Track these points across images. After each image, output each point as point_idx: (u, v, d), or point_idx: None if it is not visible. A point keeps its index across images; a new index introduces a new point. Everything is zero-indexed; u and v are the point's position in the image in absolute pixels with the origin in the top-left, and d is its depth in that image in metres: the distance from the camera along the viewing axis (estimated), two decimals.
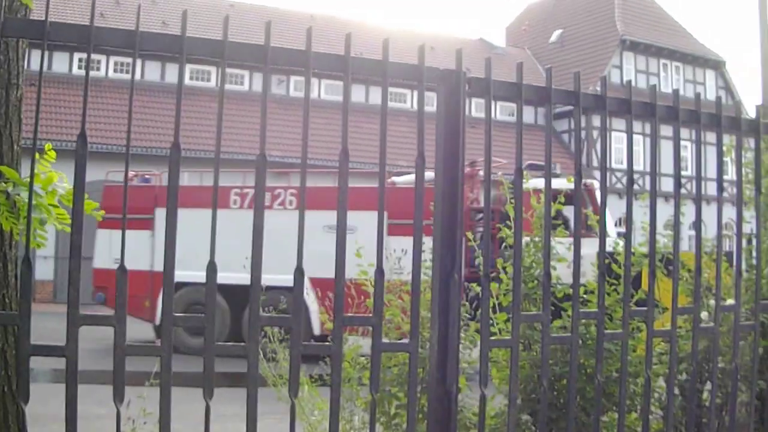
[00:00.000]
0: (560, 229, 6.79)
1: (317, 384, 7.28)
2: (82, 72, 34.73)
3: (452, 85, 3.91)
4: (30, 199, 3.48)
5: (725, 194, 5.30)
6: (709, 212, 5.35)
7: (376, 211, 3.84)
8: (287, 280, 3.85)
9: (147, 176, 21.16)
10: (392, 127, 4.41)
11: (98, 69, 38.28)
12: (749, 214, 6.03)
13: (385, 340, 4.20)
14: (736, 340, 5.26)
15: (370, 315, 3.83)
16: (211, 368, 3.56)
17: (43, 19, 3.34)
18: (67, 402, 3.35)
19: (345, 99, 3.75)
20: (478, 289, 4.23)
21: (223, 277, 4.12)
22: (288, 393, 3.76)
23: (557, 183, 5.34)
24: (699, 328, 5.05)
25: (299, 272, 3.69)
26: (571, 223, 4.70)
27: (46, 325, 4.92)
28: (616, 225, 25.18)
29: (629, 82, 4.67)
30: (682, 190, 5.25)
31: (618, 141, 38.88)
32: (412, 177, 17.98)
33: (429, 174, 3.88)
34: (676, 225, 4.93)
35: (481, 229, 16.28)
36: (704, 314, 5.54)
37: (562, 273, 6.02)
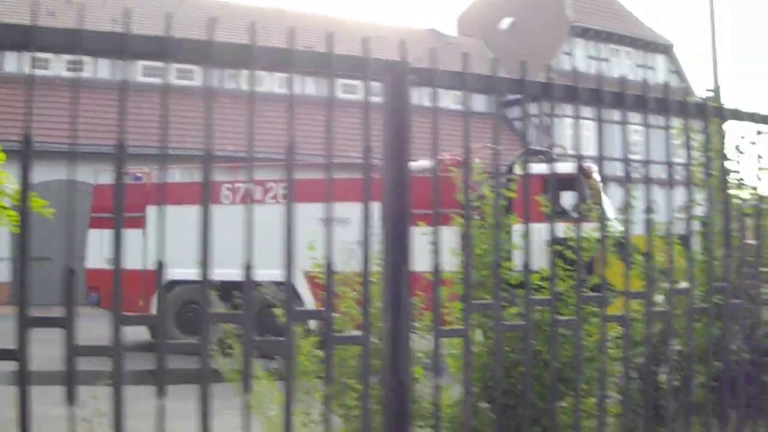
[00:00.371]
0: (513, 216, 6.81)
1: (276, 378, 7.25)
2: (49, 72, 34.55)
3: (397, 75, 3.91)
4: None
5: (680, 178, 5.34)
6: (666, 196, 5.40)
7: (372, 202, 3.90)
8: (279, 274, 3.86)
9: (138, 174, 20.94)
10: (346, 118, 4.41)
11: (80, 70, 37.78)
12: (702, 197, 6.08)
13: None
14: (690, 323, 5.30)
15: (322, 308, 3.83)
16: (163, 366, 3.55)
17: None
18: (20, 404, 3.33)
19: (290, 93, 3.74)
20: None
21: (217, 274, 4.10)
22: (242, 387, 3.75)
23: (560, 167, 5.37)
24: (653, 312, 5.09)
25: (248, 267, 3.68)
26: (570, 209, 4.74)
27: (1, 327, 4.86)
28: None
29: (575, 68, 4.69)
30: (636, 175, 5.29)
31: (571, 127, 39.07)
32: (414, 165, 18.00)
33: (423, 163, 3.90)
34: (626, 209, 4.96)
35: (475, 218, 16.14)
36: (659, 298, 5.58)
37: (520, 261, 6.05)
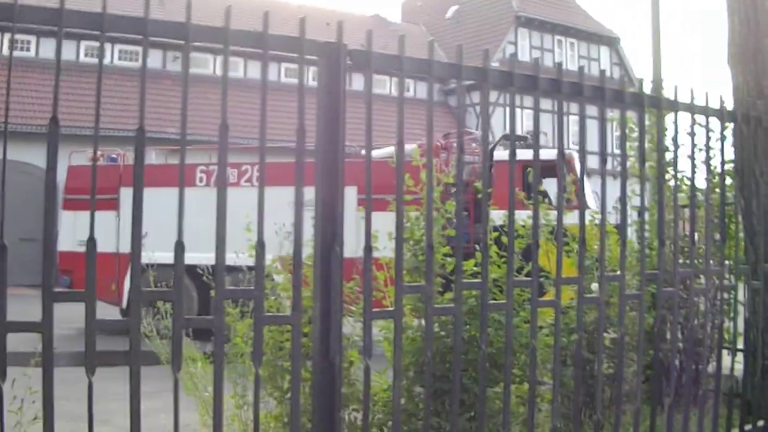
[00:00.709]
0: (449, 201, 6.83)
1: (212, 360, 7.23)
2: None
3: (333, 57, 3.90)
4: None
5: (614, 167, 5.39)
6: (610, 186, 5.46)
7: (346, 186, 3.95)
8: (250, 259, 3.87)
9: (113, 155, 20.60)
10: (290, 102, 4.38)
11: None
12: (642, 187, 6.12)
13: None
14: (621, 310, 5.36)
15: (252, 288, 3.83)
16: (92, 345, 3.53)
17: None
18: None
19: (224, 72, 3.72)
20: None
21: (190, 258, 4.08)
22: (172, 368, 3.75)
23: (544, 153, 5.38)
24: (585, 299, 5.14)
25: (179, 246, 3.67)
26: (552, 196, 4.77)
27: None
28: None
29: (513, 55, 4.72)
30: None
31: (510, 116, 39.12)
32: (384, 151, 17.81)
33: (389, 150, 3.90)
34: (560, 198, 4.99)
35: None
36: (594, 285, 5.63)
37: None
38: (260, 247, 3.78)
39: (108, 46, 36.69)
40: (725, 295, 6.52)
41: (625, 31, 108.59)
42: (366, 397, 4.08)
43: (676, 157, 6.03)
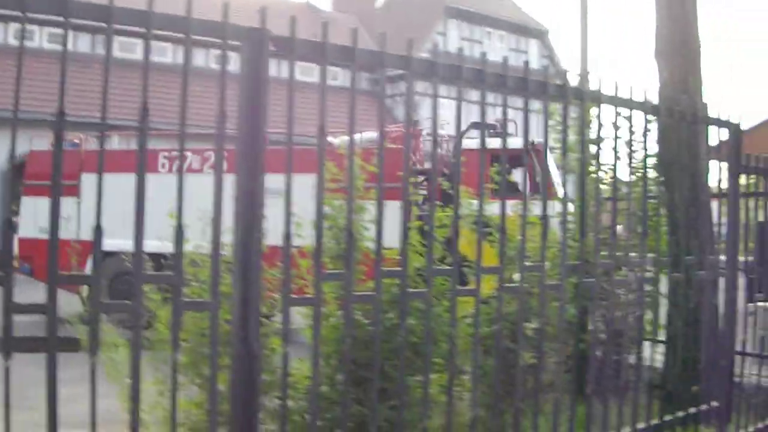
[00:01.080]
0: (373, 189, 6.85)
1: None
2: None
3: (255, 43, 3.88)
4: None
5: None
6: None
7: (309, 174, 4.02)
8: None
9: (75, 140, 20.21)
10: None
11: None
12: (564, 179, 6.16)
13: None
14: (542, 301, 5.41)
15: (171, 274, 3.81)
16: (8, 330, 3.50)
17: None
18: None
19: (145, 56, 3.69)
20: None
21: (153, 246, 4.04)
22: (91, 354, 3.72)
23: (510, 142, 5.39)
24: (506, 288, 5.18)
25: (98, 230, 3.65)
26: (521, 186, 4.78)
27: None
28: None
29: (436, 45, 4.73)
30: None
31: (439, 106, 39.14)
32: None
33: (370, 135, 3.88)
34: (480, 189, 5.02)
35: (424, 191, 15.94)
36: (516, 276, 5.66)
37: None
38: (179, 232, 3.76)
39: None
40: (647, 288, 6.60)
41: (560, 25, 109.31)
42: (284, 384, 4.08)
43: (598, 149, 6.09)
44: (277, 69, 9.06)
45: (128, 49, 36.81)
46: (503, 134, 5.07)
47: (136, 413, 3.66)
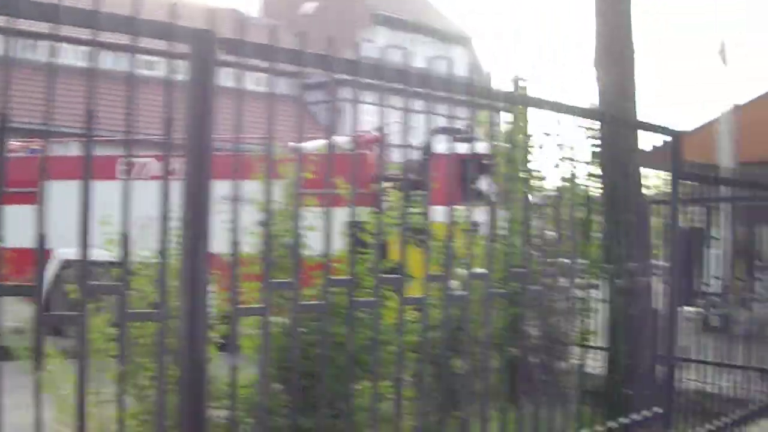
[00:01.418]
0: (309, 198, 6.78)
1: (68, 356, 7.03)
2: None
3: (204, 44, 3.78)
4: None
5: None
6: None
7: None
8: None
9: (34, 147, 19.80)
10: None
11: None
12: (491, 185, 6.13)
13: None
14: (486, 309, 5.37)
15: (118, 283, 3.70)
16: None
17: None
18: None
19: (92, 59, 3.58)
20: None
21: (112, 255, 3.93)
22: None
23: (480, 147, 5.33)
24: (449, 296, 5.13)
25: (41, 238, 3.53)
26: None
27: None
28: None
29: (357, 43, 4.66)
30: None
31: (367, 113, 39.21)
32: (316, 144, 17.49)
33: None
34: (426, 195, 4.96)
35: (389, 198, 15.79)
36: (454, 283, 5.62)
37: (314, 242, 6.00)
38: (124, 240, 3.65)
39: None
40: (583, 294, 6.60)
41: (487, 34, 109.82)
42: (233, 395, 3.99)
43: (526, 154, 6.05)
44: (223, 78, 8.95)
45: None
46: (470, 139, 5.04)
47: (83, 424, 3.54)
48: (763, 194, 8.67)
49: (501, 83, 5.58)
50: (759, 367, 8.62)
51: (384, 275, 4.83)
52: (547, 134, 6.32)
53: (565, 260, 6.28)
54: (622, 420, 6.53)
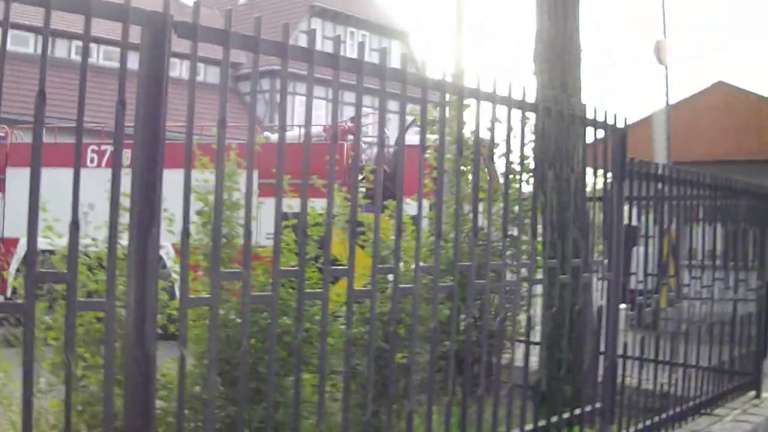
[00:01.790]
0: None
1: (2, 346, 6.93)
2: None
3: (158, 27, 3.70)
4: None
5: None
6: None
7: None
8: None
9: (0, 133, 19.31)
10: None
11: None
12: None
13: None
14: (435, 302, 5.34)
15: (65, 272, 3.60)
16: None
17: None
18: None
19: (44, 42, 3.48)
20: None
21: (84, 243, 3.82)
22: None
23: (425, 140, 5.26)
24: (399, 288, 5.09)
25: None
26: None
27: None
28: None
29: (285, 25, 4.59)
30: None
31: (301, 105, 39.16)
32: (291, 133, 17.21)
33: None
34: (354, 189, 4.89)
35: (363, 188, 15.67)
36: (390, 276, 5.58)
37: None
38: (74, 228, 3.55)
39: None
40: (529, 290, 6.60)
41: (426, 28, 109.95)
42: (181, 387, 3.92)
43: (460, 147, 5.98)
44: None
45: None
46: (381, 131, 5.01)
47: (29, 415, 3.45)
48: (703, 194, 8.77)
49: (435, 74, 5.51)
50: (695, 365, 8.71)
51: (333, 266, 4.78)
52: (486, 127, 6.28)
53: (509, 255, 6.27)
54: (564, 415, 6.55)
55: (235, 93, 44.74)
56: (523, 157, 6.67)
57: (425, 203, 5.60)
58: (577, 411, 6.67)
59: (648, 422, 7.51)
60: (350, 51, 5.74)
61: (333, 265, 4.76)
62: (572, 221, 6.93)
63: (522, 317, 7.00)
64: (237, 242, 7.07)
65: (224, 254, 6.12)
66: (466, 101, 5.89)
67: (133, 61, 3.38)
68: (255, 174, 4.33)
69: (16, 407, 5.77)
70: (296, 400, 4.50)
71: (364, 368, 6.53)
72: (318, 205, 5.30)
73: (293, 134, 18.95)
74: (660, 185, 8.07)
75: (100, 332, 6.54)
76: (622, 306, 7.40)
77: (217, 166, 4.09)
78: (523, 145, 6.35)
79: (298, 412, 4.50)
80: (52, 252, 6.83)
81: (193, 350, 6.48)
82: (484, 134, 6.57)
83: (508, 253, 6.22)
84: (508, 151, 6.35)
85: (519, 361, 6.99)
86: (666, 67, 26.22)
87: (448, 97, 5.66)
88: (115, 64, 35.75)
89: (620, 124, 7.08)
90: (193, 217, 6.77)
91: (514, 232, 6.86)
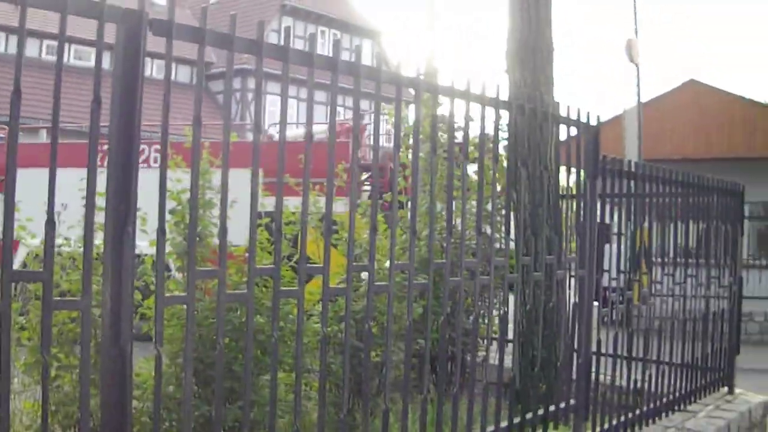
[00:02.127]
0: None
1: None
2: None
3: (133, 25, 3.68)
4: None
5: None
6: None
7: (244, 168, 4.02)
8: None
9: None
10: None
11: None
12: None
13: None
14: (409, 299, 5.34)
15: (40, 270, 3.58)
16: None
17: None
18: None
19: (20, 38, 3.45)
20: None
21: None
22: None
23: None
24: (374, 286, 5.09)
25: None
26: None
27: None
28: None
29: (261, 22, 4.59)
30: None
31: (272, 104, 39.07)
32: (292, 132, 17.02)
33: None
34: (329, 187, 4.86)
35: (368, 187, 15.57)
36: (364, 274, 5.58)
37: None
38: (50, 227, 3.52)
39: None
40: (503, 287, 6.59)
41: (398, 28, 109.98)
42: (158, 386, 3.91)
43: (433, 143, 5.97)
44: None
45: None
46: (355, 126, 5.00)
47: (7, 415, 3.42)
48: (675, 191, 8.82)
49: (408, 71, 5.51)
50: (669, 361, 8.75)
51: (309, 265, 4.77)
52: (460, 125, 6.28)
53: (483, 252, 6.27)
54: (539, 412, 6.56)
55: (207, 92, 44.61)
56: (496, 155, 6.65)
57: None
58: (552, 408, 6.69)
59: (622, 419, 7.54)
60: (322, 50, 5.73)
61: (307, 264, 4.76)
62: (545, 219, 6.94)
63: (496, 315, 7.02)
64: (210, 241, 7.06)
65: (198, 253, 6.09)
66: (440, 99, 5.90)
67: (106, 61, 3.37)
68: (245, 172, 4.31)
69: None
70: (272, 399, 4.48)
71: (338, 367, 6.53)
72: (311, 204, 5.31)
73: (296, 133, 18.78)
74: (632, 183, 8.11)
75: (73, 332, 6.53)
76: (595, 303, 7.43)
77: (193, 165, 4.07)
78: (496, 142, 6.34)
79: (274, 411, 4.48)
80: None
81: (167, 350, 6.46)
82: (458, 132, 6.59)
83: (483, 251, 6.24)
84: (482, 149, 6.36)
85: (494, 359, 7.01)
86: (637, 66, 26.36)
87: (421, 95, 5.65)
88: (86, 64, 35.74)
89: (593, 122, 7.10)
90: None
91: (488, 230, 6.87)
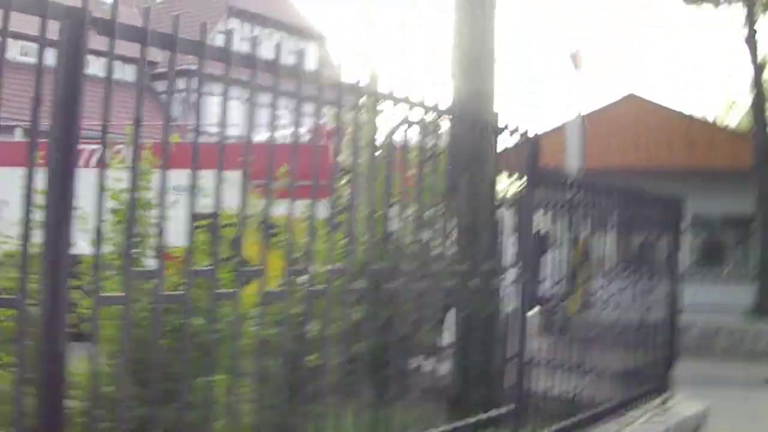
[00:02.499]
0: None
1: None
2: None
3: (76, 23, 3.67)
4: None
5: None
6: None
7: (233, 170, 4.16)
8: None
9: None
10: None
11: None
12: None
13: None
14: (346, 304, 5.35)
15: None
16: None
17: None
18: None
19: None
20: None
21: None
22: None
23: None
24: (312, 290, 5.10)
25: None
26: None
27: None
28: None
29: (203, 24, 4.61)
30: None
31: (214, 105, 38.98)
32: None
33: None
34: (268, 188, 4.89)
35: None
36: (302, 278, 5.59)
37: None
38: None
39: None
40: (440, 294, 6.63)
41: (341, 33, 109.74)
42: (93, 386, 3.89)
43: (373, 150, 6.00)
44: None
45: None
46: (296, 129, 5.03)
47: None
48: (614, 202, 8.92)
49: (350, 77, 5.54)
50: (605, 370, 8.84)
51: (245, 268, 4.78)
52: (398, 130, 6.31)
53: (421, 258, 6.30)
54: (470, 420, 6.59)
55: (150, 92, 44.30)
56: (436, 162, 6.70)
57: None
58: (486, 415, 6.72)
59: (556, 426, 7.60)
60: (268, 52, 5.71)
61: (246, 267, 4.77)
62: (483, 227, 7.00)
63: (435, 322, 7.04)
64: (148, 241, 7.02)
65: (137, 253, 6.07)
66: (380, 105, 5.92)
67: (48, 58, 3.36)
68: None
69: None
70: (208, 401, 4.49)
71: (275, 370, 6.52)
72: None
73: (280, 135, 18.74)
74: (572, 192, 8.17)
75: (8, 330, 6.46)
76: (531, 312, 7.49)
77: (133, 165, 4.07)
78: (435, 149, 6.37)
79: (209, 414, 4.49)
80: None
81: (106, 350, 6.42)
82: (398, 138, 6.62)
83: (421, 257, 6.26)
84: (422, 155, 6.39)
85: (431, 365, 7.04)
86: (581, 76, 26.58)
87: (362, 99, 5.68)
88: (25, 59, 35.26)
89: (531, 135, 7.15)
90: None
91: (427, 236, 6.91)
